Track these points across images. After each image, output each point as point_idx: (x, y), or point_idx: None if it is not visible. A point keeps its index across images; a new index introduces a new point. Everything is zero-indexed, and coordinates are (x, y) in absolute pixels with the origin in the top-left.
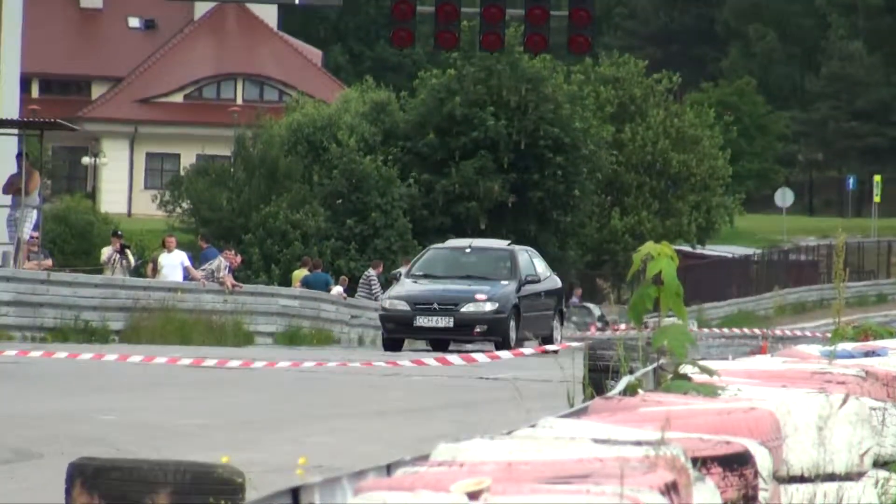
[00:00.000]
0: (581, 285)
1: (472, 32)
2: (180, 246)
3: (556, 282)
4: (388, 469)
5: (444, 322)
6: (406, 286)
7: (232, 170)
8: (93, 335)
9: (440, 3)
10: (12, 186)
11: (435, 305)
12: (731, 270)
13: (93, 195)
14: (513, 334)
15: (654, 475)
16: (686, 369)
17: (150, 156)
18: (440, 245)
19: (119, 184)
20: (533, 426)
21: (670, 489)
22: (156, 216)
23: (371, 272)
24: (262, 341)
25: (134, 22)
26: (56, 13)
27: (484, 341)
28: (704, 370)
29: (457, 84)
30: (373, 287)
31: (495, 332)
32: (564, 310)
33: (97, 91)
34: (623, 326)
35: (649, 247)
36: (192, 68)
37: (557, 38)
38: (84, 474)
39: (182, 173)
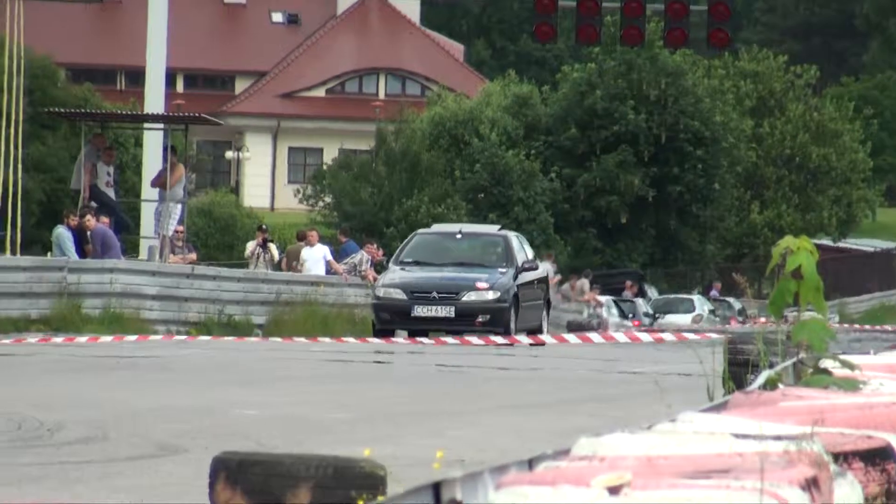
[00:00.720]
0: (720, 279)
1: (613, 27)
2: (322, 240)
3: (543, 270)
4: (530, 463)
5: (445, 312)
6: (399, 273)
7: (374, 164)
8: (236, 328)
9: None
10: (159, 180)
11: (434, 294)
12: (872, 264)
13: (236, 189)
14: (513, 325)
15: (794, 470)
16: (826, 363)
17: (292, 150)
18: (427, 230)
19: (262, 178)
20: (673, 421)
21: (811, 484)
22: (298, 210)
23: None
24: (402, 333)
25: (277, 17)
26: (200, 8)
27: (485, 332)
28: (845, 364)
29: (598, 78)
30: None
31: (498, 322)
32: (551, 300)
33: (241, 86)
34: (763, 320)
35: (788, 241)
36: (334, 63)
37: (697, 32)
38: (227, 469)
39: (324, 168)
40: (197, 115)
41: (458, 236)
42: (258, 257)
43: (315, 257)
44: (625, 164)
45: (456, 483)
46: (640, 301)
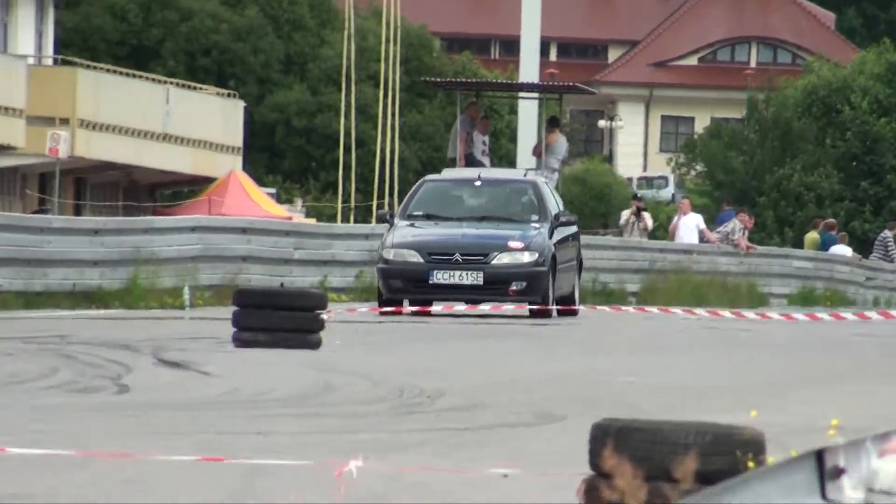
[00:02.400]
0: None
1: None
2: (695, 209)
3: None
4: None
5: (472, 278)
6: (410, 231)
7: (745, 132)
8: (610, 297)
9: None
10: (537, 149)
11: (457, 257)
12: None
13: (610, 158)
14: (551, 292)
15: None
16: None
17: (664, 119)
18: (436, 177)
19: (634, 147)
20: None
21: None
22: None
23: (887, 233)
24: (777, 302)
25: None
26: None
27: (519, 302)
28: None
29: None
30: (889, 248)
31: (535, 291)
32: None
33: (613, 55)
34: None
35: None
36: (705, 32)
37: None
38: (607, 435)
39: (695, 136)
40: (571, 84)
41: (478, 183)
42: (632, 226)
43: (688, 225)
44: None
45: (839, 451)
46: None
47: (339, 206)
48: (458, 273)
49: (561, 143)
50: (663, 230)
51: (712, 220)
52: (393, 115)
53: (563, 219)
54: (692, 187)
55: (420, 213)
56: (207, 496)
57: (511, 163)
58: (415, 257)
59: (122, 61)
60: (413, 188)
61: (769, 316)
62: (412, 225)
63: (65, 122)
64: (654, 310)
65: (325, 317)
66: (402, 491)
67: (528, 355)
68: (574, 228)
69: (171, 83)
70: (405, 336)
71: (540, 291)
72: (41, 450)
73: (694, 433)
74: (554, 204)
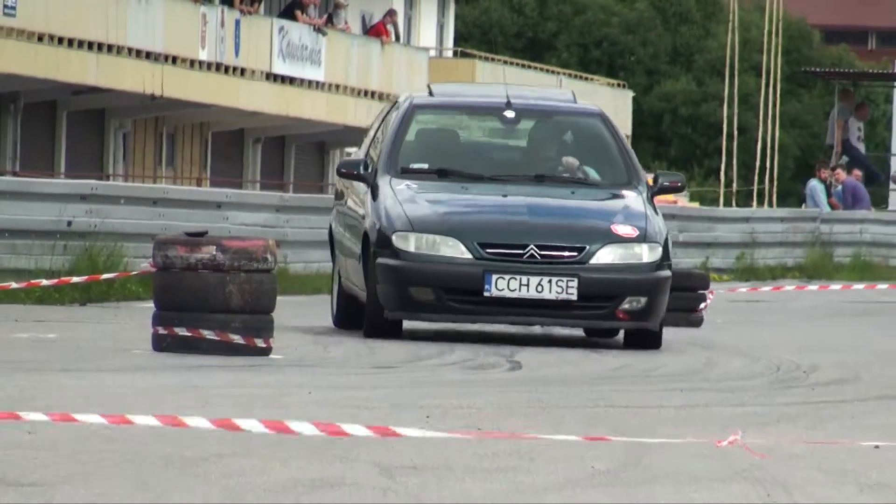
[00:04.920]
0: None
1: None
2: None
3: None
4: None
5: (558, 289)
6: (427, 199)
7: None
8: None
9: None
10: None
11: (532, 250)
12: None
13: None
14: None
15: None
16: None
17: None
18: (436, 100)
19: None
20: None
21: None
22: None
23: None
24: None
25: None
26: None
27: (630, 327)
28: None
29: None
30: None
31: (654, 311)
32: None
33: None
34: None
35: None
36: None
37: None
38: None
39: None
40: None
41: (510, 114)
42: None
43: None
44: None
45: None
46: None
47: (722, 190)
48: (535, 281)
49: None
50: None
51: None
52: (774, 103)
53: (665, 182)
54: None
55: (422, 164)
56: (595, 470)
57: (887, 148)
58: (456, 250)
59: (518, 53)
60: (396, 119)
61: None
62: (420, 190)
63: None
64: None
65: (707, 296)
66: (779, 464)
67: None
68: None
69: (564, 73)
70: (780, 314)
71: (660, 311)
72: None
73: None
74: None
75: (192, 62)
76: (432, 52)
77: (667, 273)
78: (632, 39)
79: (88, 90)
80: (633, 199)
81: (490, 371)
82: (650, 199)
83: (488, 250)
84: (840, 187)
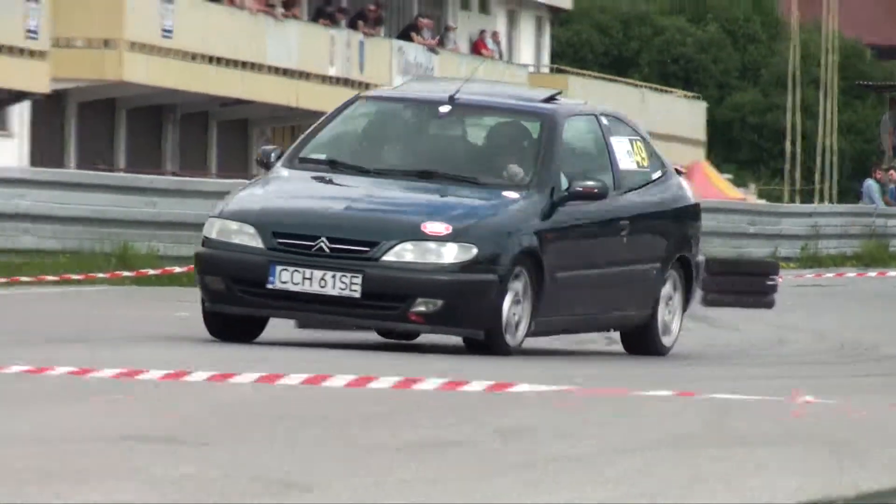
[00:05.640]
0: None
1: None
2: None
3: (677, 191)
4: None
5: (341, 285)
6: (263, 190)
7: None
8: None
9: None
10: None
11: (322, 243)
12: None
13: None
14: (522, 324)
15: None
16: None
17: None
18: (382, 92)
19: None
20: None
21: None
22: None
23: None
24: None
25: None
26: None
27: (435, 333)
28: None
29: None
30: None
31: (462, 316)
32: (697, 273)
33: None
34: None
35: None
36: None
37: None
38: None
39: None
40: None
41: (444, 109)
42: None
43: None
44: None
45: None
46: None
47: (786, 189)
48: (319, 274)
49: None
50: None
51: None
52: (832, 113)
53: (577, 187)
54: None
55: (321, 155)
56: (686, 427)
57: None
58: (249, 237)
59: (605, 69)
60: (335, 109)
61: None
62: (286, 177)
63: None
64: None
65: (778, 281)
66: (842, 425)
67: None
68: (663, 197)
69: (646, 87)
70: (842, 298)
71: (473, 318)
72: (545, 385)
73: None
74: (596, 159)
75: (323, 77)
76: (531, 69)
77: (481, 277)
78: (705, 58)
79: (234, 102)
80: (501, 200)
81: (591, 344)
82: (549, 206)
83: (279, 241)
84: (893, 186)
